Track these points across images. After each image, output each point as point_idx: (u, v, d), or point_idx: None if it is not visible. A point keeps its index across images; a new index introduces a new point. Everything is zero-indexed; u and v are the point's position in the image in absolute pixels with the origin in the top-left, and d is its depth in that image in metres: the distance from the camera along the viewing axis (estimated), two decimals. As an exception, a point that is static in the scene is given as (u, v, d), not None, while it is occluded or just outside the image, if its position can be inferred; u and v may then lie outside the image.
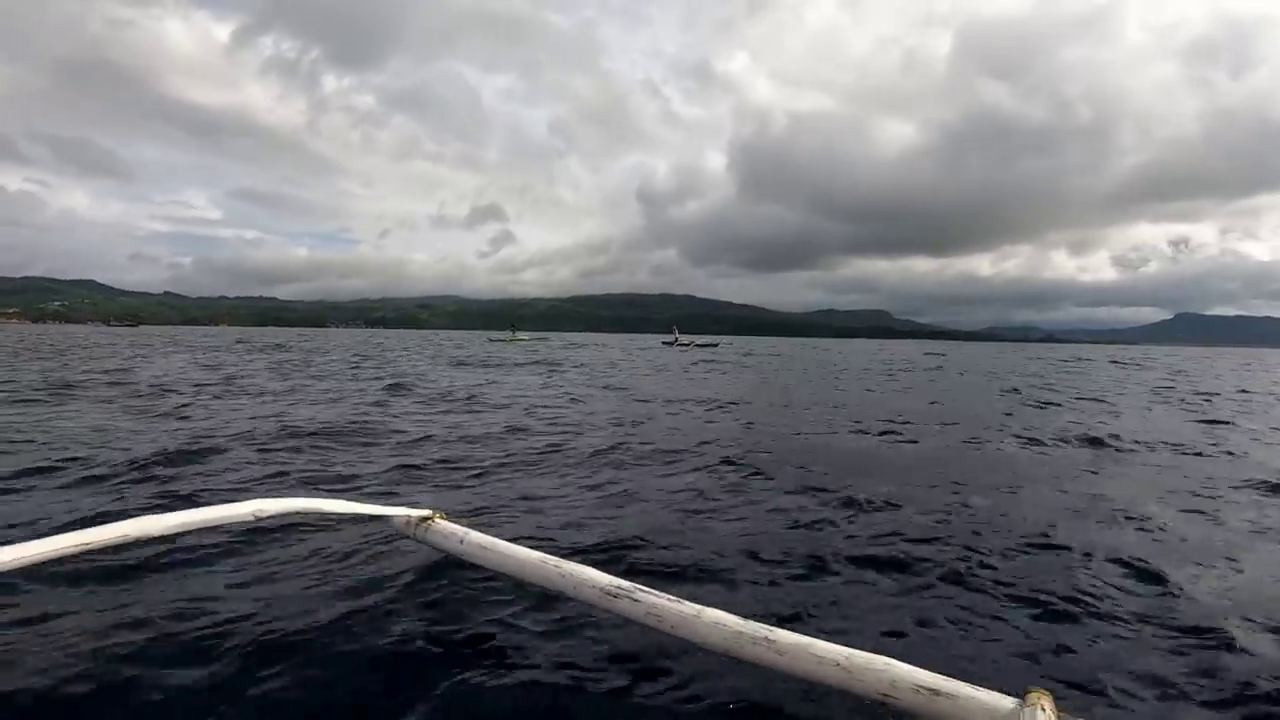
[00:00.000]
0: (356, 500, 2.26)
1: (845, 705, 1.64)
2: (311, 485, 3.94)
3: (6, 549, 1.44)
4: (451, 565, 2.35)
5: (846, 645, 1.50)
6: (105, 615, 2.12)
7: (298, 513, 2.05)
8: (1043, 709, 1.25)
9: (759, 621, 1.59)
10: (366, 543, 2.74)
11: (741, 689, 1.79)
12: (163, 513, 1.79)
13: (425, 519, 2.22)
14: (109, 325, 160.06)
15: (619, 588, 1.77)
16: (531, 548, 2.07)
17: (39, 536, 1.55)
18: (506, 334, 49.66)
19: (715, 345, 43.28)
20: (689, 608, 1.65)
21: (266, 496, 2.01)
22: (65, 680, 1.76)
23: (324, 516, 2.27)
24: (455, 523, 2.22)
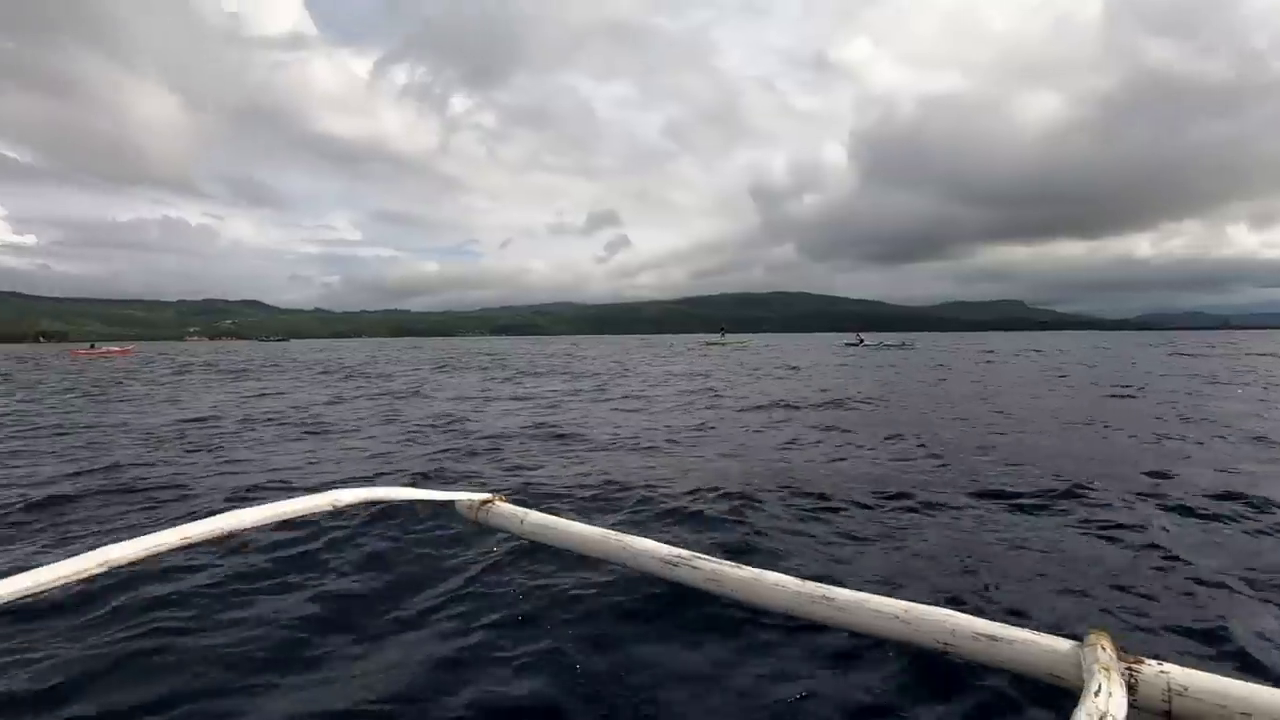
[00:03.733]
0: (424, 488, 2.40)
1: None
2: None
3: (112, 547, 1.63)
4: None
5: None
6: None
7: (372, 501, 2.20)
8: (1102, 648, 1.23)
9: (816, 581, 1.62)
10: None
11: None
12: (246, 507, 1.95)
13: (485, 502, 2.31)
14: (262, 341, 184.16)
15: (678, 556, 1.82)
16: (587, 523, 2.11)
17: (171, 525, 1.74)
18: (717, 336, 50.99)
19: (901, 345, 37.36)
20: (747, 572, 1.70)
21: (341, 488, 2.16)
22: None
23: (396, 503, 2.43)
24: (515, 504, 2.30)
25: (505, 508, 2.28)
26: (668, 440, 6.58)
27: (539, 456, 5.72)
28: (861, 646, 2.08)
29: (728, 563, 1.75)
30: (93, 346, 52.60)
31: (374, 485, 2.32)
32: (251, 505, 1.93)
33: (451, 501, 2.35)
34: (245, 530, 1.86)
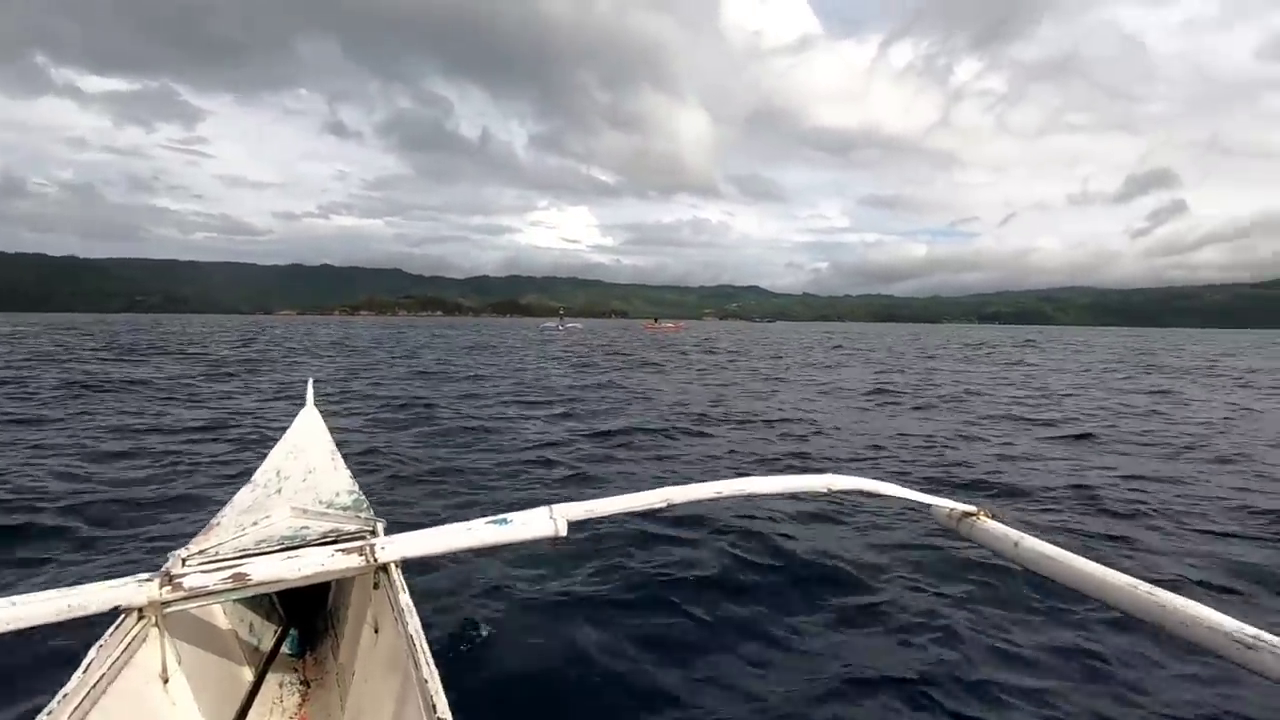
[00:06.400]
0: (906, 487, 2.50)
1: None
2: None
3: (673, 490, 1.99)
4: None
5: None
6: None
7: (859, 491, 2.45)
8: None
9: None
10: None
11: None
12: (756, 476, 2.16)
13: (969, 514, 2.28)
14: (754, 322, 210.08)
15: (1257, 638, 1.41)
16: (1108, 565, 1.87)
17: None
18: None
19: None
20: None
21: (838, 474, 2.45)
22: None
23: (877, 497, 2.60)
24: (1004, 523, 2.20)
25: (994, 525, 2.21)
26: None
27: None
28: None
29: None
30: (656, 321, 72.43)
31: (864, 476, 2.55)
32: (767, 476, 2.35)
33: (929, 506, 2.42)
34: (760, 494, 2.16)
